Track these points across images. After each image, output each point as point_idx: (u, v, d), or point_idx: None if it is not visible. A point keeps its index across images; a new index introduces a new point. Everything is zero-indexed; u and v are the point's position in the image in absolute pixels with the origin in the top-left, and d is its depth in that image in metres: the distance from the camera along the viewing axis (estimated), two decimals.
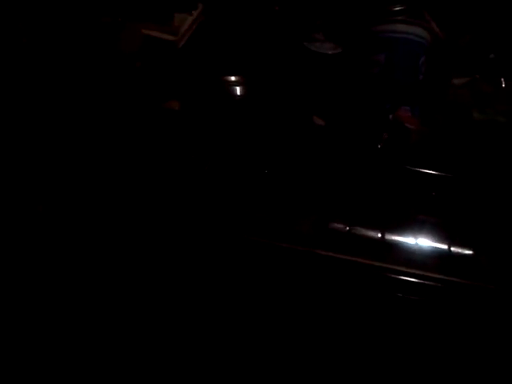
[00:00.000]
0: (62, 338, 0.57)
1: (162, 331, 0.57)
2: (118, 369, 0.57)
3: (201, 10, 0.72)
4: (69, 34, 0.65)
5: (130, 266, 0.56)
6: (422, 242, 0.51)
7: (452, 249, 0.50)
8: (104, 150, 0.59)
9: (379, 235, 0.50)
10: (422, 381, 0.48)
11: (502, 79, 0.77)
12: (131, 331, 0.57)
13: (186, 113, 0.64)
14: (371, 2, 0.75)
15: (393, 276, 0.50)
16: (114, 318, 0.57)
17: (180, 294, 0.55)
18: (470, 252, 0.50)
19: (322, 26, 0.80)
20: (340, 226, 0.51)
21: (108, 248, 0.57)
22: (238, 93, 0.68)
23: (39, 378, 0.57)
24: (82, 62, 0.64)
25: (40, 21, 0.65)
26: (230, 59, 0.72)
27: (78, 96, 0.60)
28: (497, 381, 0.47)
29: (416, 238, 0.51)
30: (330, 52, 0.77)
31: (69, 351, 0.57)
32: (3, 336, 0.56)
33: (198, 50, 0.71)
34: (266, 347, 0.53)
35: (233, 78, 0.69)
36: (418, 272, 0.49)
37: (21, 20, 0.65)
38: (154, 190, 0.56)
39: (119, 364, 0.57)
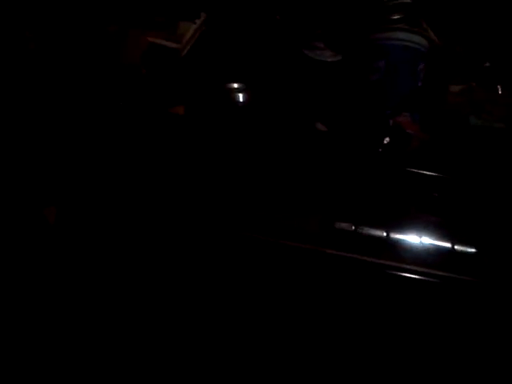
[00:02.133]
0: (61, 338, 0.58)
1: (164, 330, 0.57)
2: (118, 369, 0.57)
3: (204, 19, 0.73)
4: (76, 41, 0.66)
5: (134, 264, 0.57)
6: (426, 241, 0.52)
7: (456, 247, 0.51)
8: (111, 154, 0.60)
9: (384, 234, 0.52)
10: (424, 377, 0.49)
11: (499, 86, 0.80)
12: (131, 330, 0.58)
13: (191, 117, 0.66)
14: (370, 11, 0.78)
15: (397, 273, 0.51)
16: (114, 316, 0.58)
17: (188, 293, 0.56)
18: (473, 250, 0.51)
19: (322, 34, 0.82)
20: (346, 225, 0.52)
21: (111, 247, 0.58)
22: (241, 99, 0.70)
23: (39, 378, 0.57)
24: (88, 68, 0.66)
25: (47, 28, 0.67)
26: (232, 66, 0.73)
27: (85, 101, 0.62)
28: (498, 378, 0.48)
29: (420, 236, 0.52)
30: (329, 60, 0.79)
31: (69, 351, 0.57)
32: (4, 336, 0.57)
33: (200, 58, 0.73)
34: (271, 345, 0.54)
35: (235, 85, 0.71)
36: (421, 269, 0.51)
37: (28, 27, 0.66)
38: (159, 191, 0.57)
39: (119, 364, 0.57)
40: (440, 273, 0.51)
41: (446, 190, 0.58)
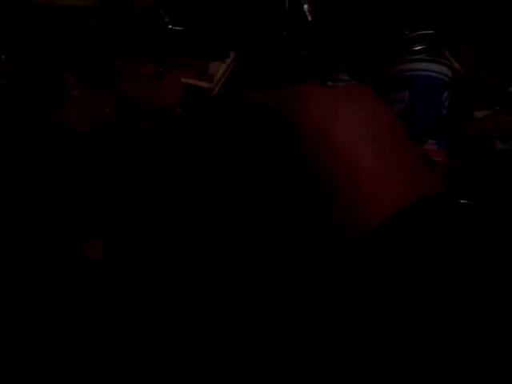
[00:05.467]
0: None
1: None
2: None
3: (233, 58, 0.78)
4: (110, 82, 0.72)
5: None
6: None
7: None
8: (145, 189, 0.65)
9: None
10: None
11: None
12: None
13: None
14: (393, 43, 0.82)
15: None
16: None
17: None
18: None
19: (346, 66, 0.86)
20: None
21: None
22: None
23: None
24: (123, 110, 0.71)
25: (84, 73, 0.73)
26: None
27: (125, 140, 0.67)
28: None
29: None
30: None
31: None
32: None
33: (231, 95, 0.78)
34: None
35: None
36: None
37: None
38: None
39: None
40: None
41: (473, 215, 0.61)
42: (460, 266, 0.31)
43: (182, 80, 0.74)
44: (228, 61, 0.78)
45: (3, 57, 0.71)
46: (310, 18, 0.86)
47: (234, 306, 0.58)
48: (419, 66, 0.77)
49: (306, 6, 0.86)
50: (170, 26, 0.79)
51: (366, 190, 0.35)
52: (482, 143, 0.80)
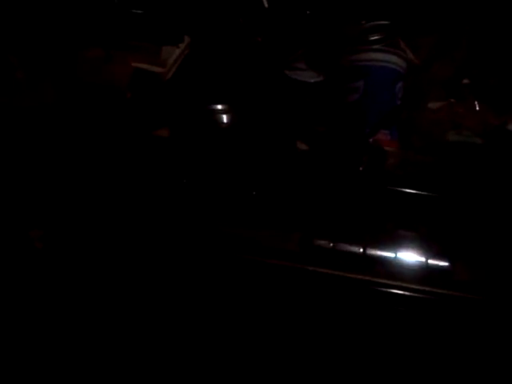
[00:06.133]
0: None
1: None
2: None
3: (187, 43, 0.77)
4: (62, 66, 0.69)
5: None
6: (401, 256, 0.56)
7: (429, 261, 0.55)
8: (98, 175, 0.63)
9: (361, 250, 0.56)
10: None
11: (476, 102, 0.84)
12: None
13: (175, 139, 0.69)
14: (350, 32, 0.82)
15: (374, 288, 0.55)
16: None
17: (172, 312, 0.59)
18: (446, 264, 0.55)
19: (303, 55, 0.86)
20: (324, 242, 0.56)
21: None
22: (225, 120, 0.74)
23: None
24: (73, 92, 0.69)
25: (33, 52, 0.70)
26: (215, 88, 0.77)
27: (71, 124, 0.65)
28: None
29: (395, 252, 0.56)
30: (311, 80, 0.83)
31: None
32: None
33: (185, 81, 0.76)
34: (257, 364, 0.56)
35: (219, 107, 0.74)
36: (397, 284, 0.55)
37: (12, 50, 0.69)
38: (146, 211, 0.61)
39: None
40: (413, 286, 0.55)
41: (422, 206, 0.61)
42: None
43: (134, 64, 0.72)
44: (182, 46, 0.77)
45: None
46: (266, 5, 0.85)
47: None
48: (374, 56, 0.77)
49: None
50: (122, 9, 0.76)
51: None
52: (435, 134, 0.80)
